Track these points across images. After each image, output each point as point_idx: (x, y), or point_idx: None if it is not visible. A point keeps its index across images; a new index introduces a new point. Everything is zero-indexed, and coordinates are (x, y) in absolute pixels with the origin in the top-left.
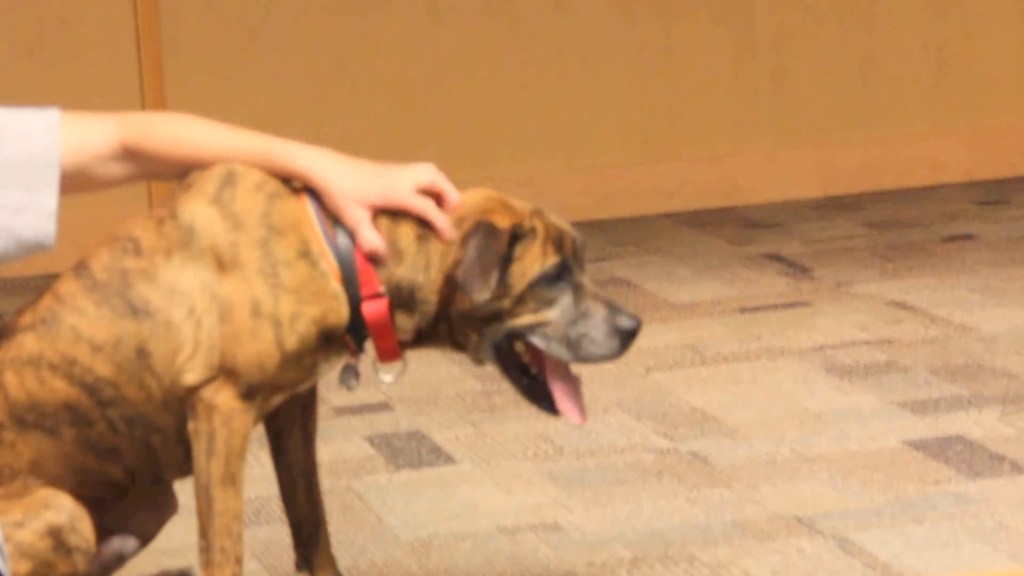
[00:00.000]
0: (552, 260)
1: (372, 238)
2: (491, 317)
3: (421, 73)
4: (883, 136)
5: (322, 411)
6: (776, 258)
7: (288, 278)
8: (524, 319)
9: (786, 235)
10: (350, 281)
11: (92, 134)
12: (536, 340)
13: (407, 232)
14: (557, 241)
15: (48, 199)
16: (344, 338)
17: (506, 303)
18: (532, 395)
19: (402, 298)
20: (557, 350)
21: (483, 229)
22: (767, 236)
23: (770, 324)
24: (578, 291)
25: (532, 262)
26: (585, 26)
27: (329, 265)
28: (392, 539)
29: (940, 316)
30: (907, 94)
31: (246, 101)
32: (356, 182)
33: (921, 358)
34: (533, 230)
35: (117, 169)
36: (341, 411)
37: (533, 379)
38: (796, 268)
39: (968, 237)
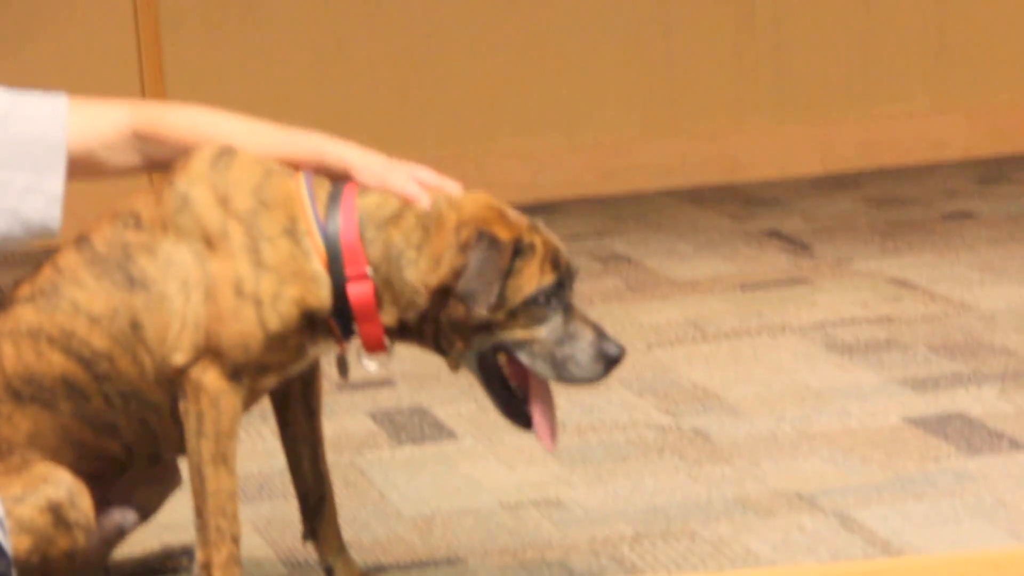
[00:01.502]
0: (549, 279)
1: (415, 188)
2: (481, 328)
3: (422, 49)
4: (883, 113)
5: (324, 387)
6: (776, 235)
7: (269, 254)
8: (514, 334)
9: (786, 212)
10: (335, 262)
11: (101, 120)
12: (522, 356)
13: (409, 212)
14: (554, 260)
15: (54, 182)
16: (329, 322)
17: (499, 316)
18: (507, 408)
19: (390, 272)
20: (542, 368)
21: (487, 241)
22: (767, 213)
23: (770, 301)
24: (568, 312)
25: (530, 279)
26: (586, 2)
27: (314, 244)
28: (394, 514)
29: (940, 293)
30: (907, 72)
31: (245, 76)
32: (383, 163)
33: (921, 335)
34: (532, 246)
35: (125, 156)
36: (343, 387)
37: (510, 392)
38: (796, 245)
39: (968, 214)
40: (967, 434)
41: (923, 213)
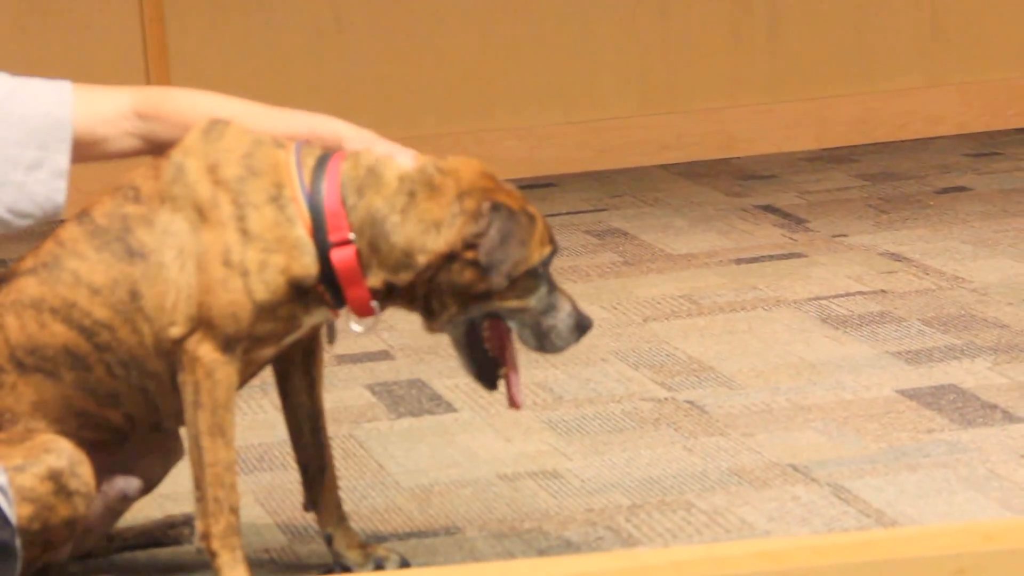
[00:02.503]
0: (547, 250)
1: (399, 147)
2: (480, 296)
3: (421, 27)
4: (878, 90)
5: (324, 359)
6: (772, 209)
7: (255, 222)
8: (509, 302)
9: (782, 187)
10: (319, 228)
11: (104, 101)
12: (513, 324)
13: (393, 169)
14: (549, 231)
15: (60, 158)
16: (318, 289)
17: (505, 284)
18: (480, 370)
19: (373, 236)
20: (526, 336)
21: (504, 211)
22: (763, 188)
23: (766, 275)
24: (551, 283)
25: (534, 250)
26: None
27: (299, 211)
28: (393, 485)
29: (933, 267)
30: (902, 49)
31: (247, 57)
32: (377, 139)
33: (915, 308)
34: (533, 217)
35: (127, 137)
36: (343, 359)
37: (486, 356)
38: (791, 219)
39: (961, 189)
40: (960, 406)
41: (917, 188)
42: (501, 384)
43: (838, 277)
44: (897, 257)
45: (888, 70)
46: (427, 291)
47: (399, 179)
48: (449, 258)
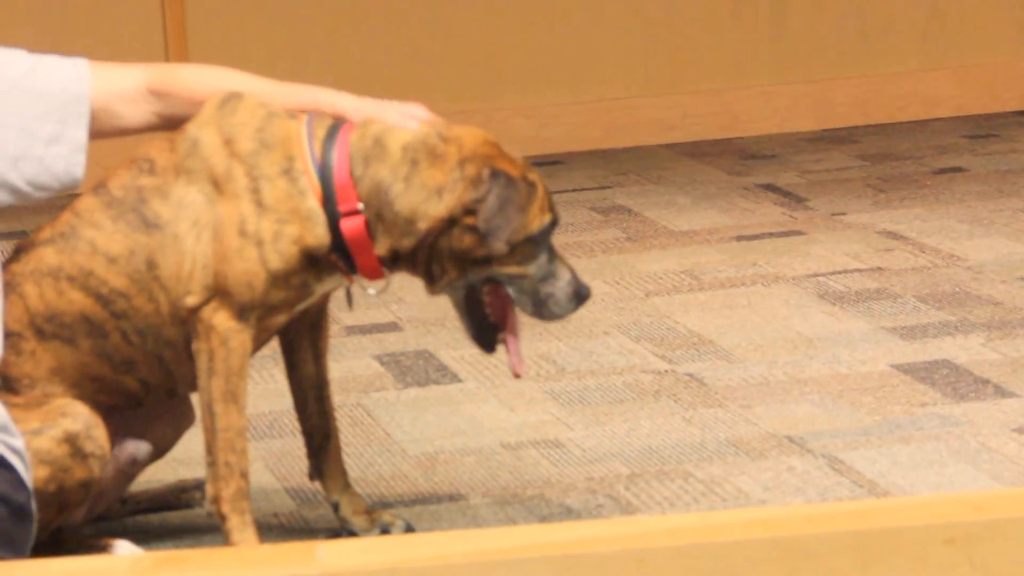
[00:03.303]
0: (548, 218)
1: (400, 116)
2: (480, 261)
3: (432, 8)
4: (877, 72)
5: (333, 330)
6: (772, 188)
7: (269, 194)
8: (508, 268)
9: (782, 166)
10: (329, 199)
11: (119, 79)
12: (511, 290)
13: (396, 138)
14: (550, 200)
15: (78, 132)
16: (331, 258)
17: (504, 250)
18: (480, 335)
19: (379, 206)
20: (524, 302)
21: (503, 178)
22: (764, 167)
23: (765, 252)
24: (551, 251)
25: (534, 217)
26: None
27: (310, 182)
28: (399, 453)
29: (929, 245)
30: (901, 32)
31: (262, 34)
32: (378, 107)
33: (910, 285)
34: (534, 184)
35: (142, 113)
36: (351, 330)
37: (486, 320)
38: (791, 198)
39: (958, 170)
40: (953, 381)
41: (914, 168)
42: (503, 354)
43: (836, 254)
44: (894, 235)
45: (888, 53)
46: (428, 256)
47: (403, 148)
48: (450, 223)
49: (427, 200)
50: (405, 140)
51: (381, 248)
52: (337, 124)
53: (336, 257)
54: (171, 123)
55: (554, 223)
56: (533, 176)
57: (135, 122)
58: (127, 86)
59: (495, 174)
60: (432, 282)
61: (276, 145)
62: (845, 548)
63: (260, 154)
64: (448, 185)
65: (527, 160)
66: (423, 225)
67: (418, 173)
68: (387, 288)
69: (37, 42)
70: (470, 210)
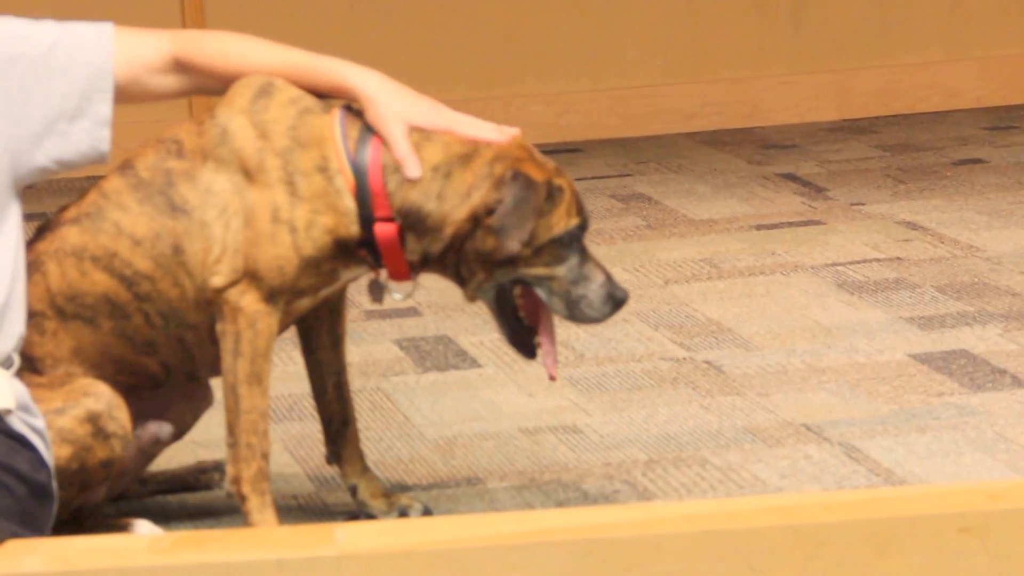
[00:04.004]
0: (574, 221)
1: (406, 150)
2: (506, 262)
3: None
4: (899, 63)
5: (353, 314)
6: (792, 178)
7: (304, 187)
8: (536, 270)
9: (802, 156)
10: (364, 201)
11: (144, 47)
12: (540, 291)
13: (426, 159)
14: (579, 203)
15: (103, 107)
16: (360, 253)
17: (525, 252)
18: (515, 337)
19: (412, 222)
20: (556, 305)
21: (522, 180)
22: (784, 156)
23: (784, 241)
24: (583, 254)
25: (558, 220)
26: None
27: (346, 181)
28: (418, 437)
29: (948, 236)
30: (922, 23)
31: (282, 10)
32: (400, 100)
33: (929, 276)
34: (561, 188)
35: (167, 82)
36: (372, 315)
37: (520, 323)
38: (811, 188)
39: (977, 161)
40: (970, 371)
41: (934, 159)
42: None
43: (855, 244)
44: (913, 226)
45: (909, 44)
46: (456, 258)
47: (432, 169)
48: (474, 224)
49: (459, 204)
50: (436, 161)
51: (412, 254)
52: (368, 125)
53: (365, 253)
54: (196, 90)
55: (582, 227)
56: (561, 181)
57: (159, 91)
58: (151, 56)
59: (516, 176)
60: (463, 285)
61: (310, 143)
62: (861, 536)
63: (293, 151)
64: (476, 183)
65: (558, 166)
66: (450, 229)
67: (451, 184)
68: (413, 292)
69: (58, 9)
70: (491, 210)
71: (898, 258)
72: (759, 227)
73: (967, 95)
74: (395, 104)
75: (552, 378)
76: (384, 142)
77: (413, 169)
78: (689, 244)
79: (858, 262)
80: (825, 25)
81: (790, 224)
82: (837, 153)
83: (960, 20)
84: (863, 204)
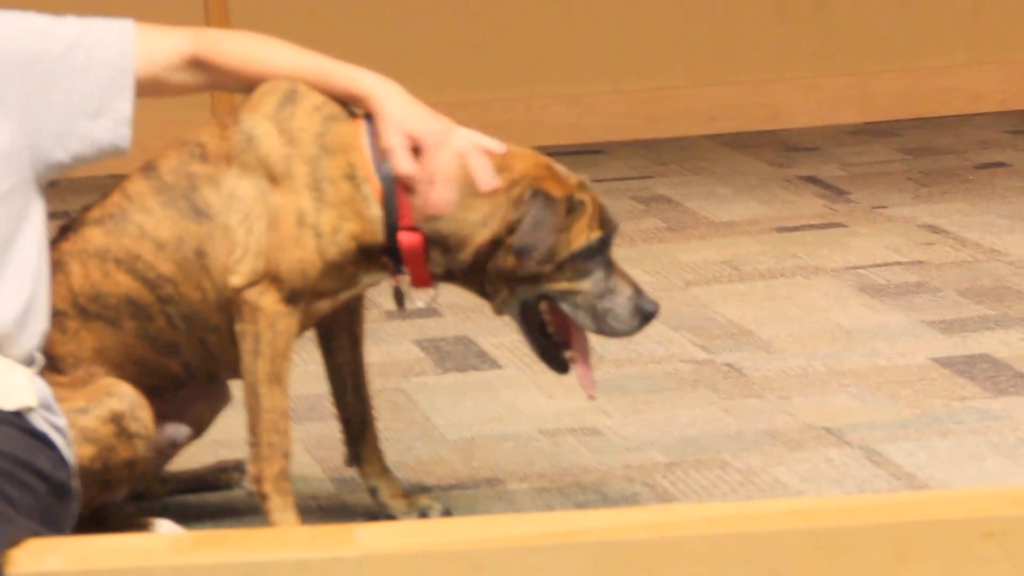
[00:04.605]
0: (596, 235)
1: (406, 162)
2: (528, 278)
3: None
4: (921, 66)
5: (373, 315)
6: (814, 180)
7: (332, 194)
8: (559, 285)
9: (824, 159)
10: (390, 209)
11: (164, 45)
12: (565, 306)
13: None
14: (601, 217)
15: (123, 104)
16: (382, 260)
17: (546, 268)
18: (545, 354)
19: (435, 238)
20: (582, 319)
21: (542, 198)
22: (806, 159)
23: (806, 243)
24: (609, 267)
25: (579, 234)
26: None
27: (373, 188)
28: (438, 437)
29: (970, 240)
30: (945, 25)
31: (305, 10)
32: (407, 112)
33: (951, 279)
34: (582, 203)
35: (185, 79)
36: (392, 315)
37: (548, 339)
38: (833, 190)
39: (1000, 165)
40: (992, 375)
41: (957, 162)
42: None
43: (876, 247)
44: (935, 229)
45: (932, 47)
46: (480, 276)
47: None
48: (495, 244)
49: (477, 228)
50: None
51: (437, 267)
52: None
53: (387, 259)
54: (214, 89)
55: (604, 240)
56: (583, 195)
57: (178, 88)
58: (171, 54)
59: (535, 194)
60: (490, 300)
61: (337, 150)
62: (882, 540)
63: (322, 158)
64: (493, 211)
65: (583, 180)
66: (470, 250)
67: (466, 206)
68: (434, 299)
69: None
70: (511, 230)
71: (920, 261)
72: (780, 229)
73: (990, 98)
74: (402, 117)
75: (591, 397)
76: (388, 153)
77: (417, 179)
78: (710, 246)
79: (880, 265)
80: (847, 27)
81: (811, 227)
82: (859, 156)
83: (983, 23)
84: (885, 207)
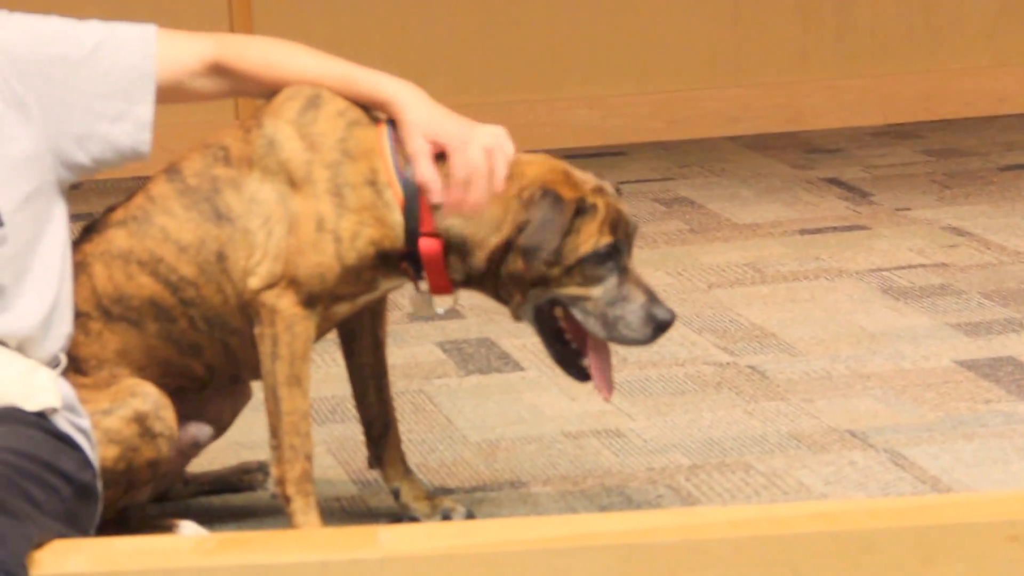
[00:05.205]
0: (605, 240)
1: (428, 170)
2: (538, 282)
3: None
4: (944, 67)
5: (396, 317)
6: (837, 182)
7: (352, 200)
8: (569, 290)
9: (847, 160)
10: (412, 215)
11: (186, 51)
12: (576, 312)
13: None
14: (614, 222)
15: (144, 109)
16: (402, 266)
17: (555, 272)
18: (562, 360)
19: (453, 243)
20: (593, 326)
21: (550, 199)
22: (828, 161)
23: (829, 246)
24: (623, 274)
25: (587, 238)
26: None
27: (395, 194)
28: (461, 439)
29: (994, 242)
30: (969, 27)
31: (329, 15)
32: (430, 117)
33: (975, 282)
34: (594, 207)
35: (208, 85)
36: (414, 317)
37: (566, 345)
38: (856, 192)
39: None
40: (1017, 378)
41: (980, 164)
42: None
43: (900, 250)
44: (959, 231)
45: (955, 48)
46: (495, 281)
47: None
48: (507, 247)
49: (491, 231)
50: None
51: (455, 273)
52: None
53: (407, 265)
54: (236, 95)
55: (614, 246)
56: (597, 199)
57: (200, 94)
58: (193, 60)
59: (545, 194)
60: (506, 305)
61: (359, 156)
62: (907, 543)
63: (344, 163)
64: (506, 214)
65: (601, 185)
66: (484, 253)
67: (485, 213)
68: (454, 306)
69: (105, 11)
70: (521, 230)
71: (944, 264)
72: (803, 232)
73: (1014, 100)
74: (424, 119)
75: (604, 398)
76: (410, 159)
77: (435, 193)
78: (733, 248)
79: (903, 267)
80: (870, 29)
81: (834, 229)
82: (882, 158)
83: (1007, 25)
84: (908, 209)
